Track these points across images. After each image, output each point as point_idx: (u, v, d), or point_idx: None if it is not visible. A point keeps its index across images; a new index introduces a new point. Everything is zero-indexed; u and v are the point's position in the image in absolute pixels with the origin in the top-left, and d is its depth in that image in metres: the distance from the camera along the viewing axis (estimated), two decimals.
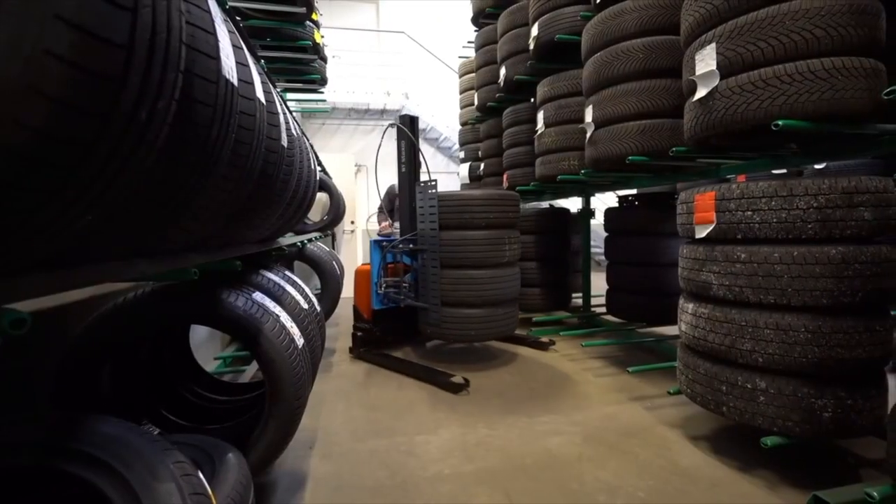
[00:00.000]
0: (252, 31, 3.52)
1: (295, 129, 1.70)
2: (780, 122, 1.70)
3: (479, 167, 5.76)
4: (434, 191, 3.05)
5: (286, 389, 1.39)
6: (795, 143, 2.23)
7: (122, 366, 1.52)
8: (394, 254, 3.41)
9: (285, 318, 1.47)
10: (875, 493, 1.43)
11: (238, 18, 2.53)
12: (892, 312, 1.75)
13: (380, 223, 4.60)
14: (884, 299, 1.66)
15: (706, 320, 1.93)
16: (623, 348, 3.67)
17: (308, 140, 4.47)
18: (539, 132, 3.88)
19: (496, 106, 4.98)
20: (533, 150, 4.13)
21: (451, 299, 3.03)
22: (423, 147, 10.44)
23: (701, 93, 1.99)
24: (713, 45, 1.91)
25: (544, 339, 3.73)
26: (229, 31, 0.86)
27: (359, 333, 3.52)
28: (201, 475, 0.77)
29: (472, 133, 6.25)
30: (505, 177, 4.75)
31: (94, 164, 0.55)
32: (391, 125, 3.53)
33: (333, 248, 6.06)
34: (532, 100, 4.33)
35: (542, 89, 3.88)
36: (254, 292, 1.47)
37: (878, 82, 1.69)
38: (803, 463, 1.89)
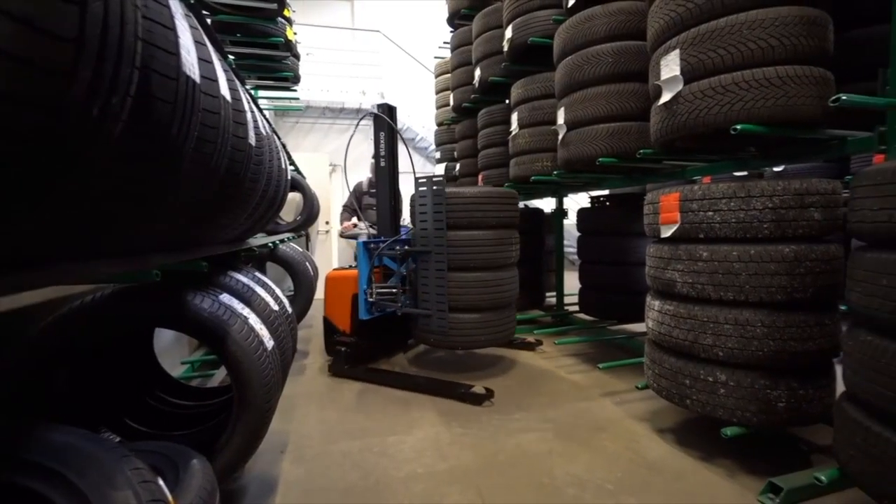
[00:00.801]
0: (221, 26, 3.43)
1: (264, 127, 1.67)
2: (738, 127, 1.77)
3: (454, 167, 5.78)
4: (442, 187, 2.83)
5: (255, 392, 1.36)
6: (755, 147, 2.33)
7: (81, 371, 1.46)
8: (380, 257, 3.09)
9: (254, 320, 1.45)
10: (823, 478, 1.52)
11: (205, 13, 2.46)
12: (841, 307, 1.86)
13: (342, 223, 4.35)
14: (832, 295, 1.76)
15: (671, 317, 2.00)
16: (595, 345, 3.76)
17: (280, 139, 4.37)
18: (513, 133, 3.93)
19: (471, 107, 5.01)
20: (507, 150, 4.18)
21: (459, 304, 2.85)
22: (400, 147, 10.42)
23: (666, 97, 2.06)
24: (677, 51, 1.98)
25: (530, 338, 3.71)
26: (191, 27, 0.84)
27: (342, 348, 3.12)
28: (161, 482, 0.75)
29: (448, 134, 6.26)
30: (480, 177, 4.78)
31: (44, 159, 0.53)
32: (368, 114, 3.23)
33: (307, 249, 5.97)
34: (507, 101, 4.38)
35: (515, 91, 3.93)
36: (221, 294, 1.43)
37: (828, 90, 1.79)
38: (761, 451, 1.98)
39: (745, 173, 3.87)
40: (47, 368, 1.25)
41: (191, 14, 0.89)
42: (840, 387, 1.58)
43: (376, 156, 3.28)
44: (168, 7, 0.69)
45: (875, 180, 1.27)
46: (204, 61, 0.88)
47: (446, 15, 5.62)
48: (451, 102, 5.53)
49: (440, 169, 6.25)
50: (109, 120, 0.58)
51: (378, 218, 3.29)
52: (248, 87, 4.47)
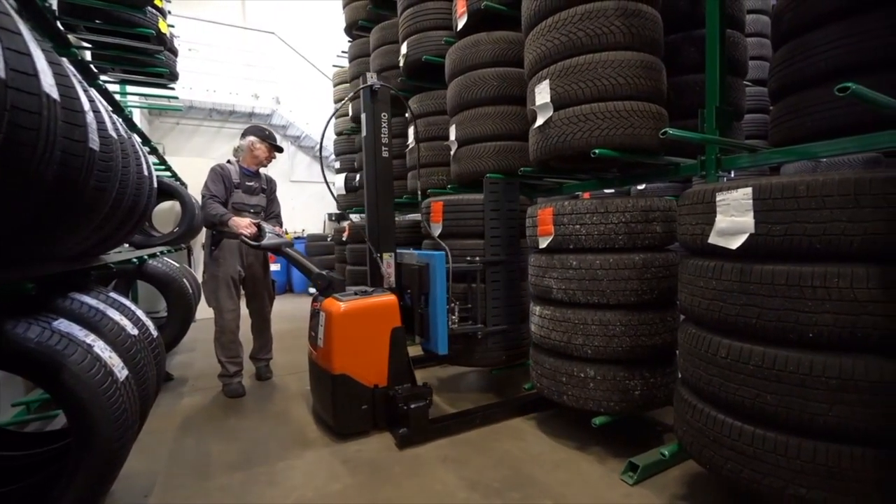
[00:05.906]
0: (73, 10, 2.98)
1: (117, 129, 1.48)
2: (597, 151, 2.02)
3: (355, 178, 5.69)
4: (516, 193, 2.70)
5: (100, 431, 1.18)
6: (616, 168, 2.67)
7: None
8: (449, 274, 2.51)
9: (101, 348, 1.26)
10: (666, 452, 1.78)
11: None
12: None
13: (224, 222, 2.86)
14: (672, 295, 2.07)
15: (549, 320, 2.18)
16: None
17: (150, 142, 3.90)
18: (410, 147, 4.00)
19: None
20: (406, 163, 4.23)
21: (524, 314, 2.81)
22: (299, 155, 9.94)
23: (540, 121, 2.27)
24: (548, 81, 2.20)
25: None
26: None
27: (414, 405, 2.26)
28: None
29: (348, 143, 6.16)
30: None
31: None
32: (365, 87, 2.52)
33: (189, 265, 5.38)
34: (405, 114, 4.44)
35: (412, 106, 4.01)
36: (56, 320, 1.23)
37: (662, 124, 2.13)
38: (625, 436, 2.24)
39: (612, 190, 4.39)
40: None
41: None
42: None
43: (375, 145, 2.48)
44: None
45: (692, 200, 1.54)
46: (17, 52, 0.75)
47: (344, 23, 5.56)
48: (350, 112, 5.45)
49: (340, 179, 6.11)
50: None
51: (373, 226, 2.59)
52: (109, 81, 3.92)
